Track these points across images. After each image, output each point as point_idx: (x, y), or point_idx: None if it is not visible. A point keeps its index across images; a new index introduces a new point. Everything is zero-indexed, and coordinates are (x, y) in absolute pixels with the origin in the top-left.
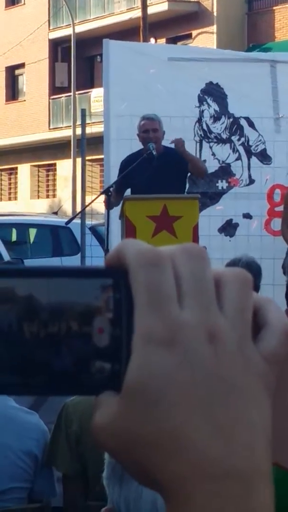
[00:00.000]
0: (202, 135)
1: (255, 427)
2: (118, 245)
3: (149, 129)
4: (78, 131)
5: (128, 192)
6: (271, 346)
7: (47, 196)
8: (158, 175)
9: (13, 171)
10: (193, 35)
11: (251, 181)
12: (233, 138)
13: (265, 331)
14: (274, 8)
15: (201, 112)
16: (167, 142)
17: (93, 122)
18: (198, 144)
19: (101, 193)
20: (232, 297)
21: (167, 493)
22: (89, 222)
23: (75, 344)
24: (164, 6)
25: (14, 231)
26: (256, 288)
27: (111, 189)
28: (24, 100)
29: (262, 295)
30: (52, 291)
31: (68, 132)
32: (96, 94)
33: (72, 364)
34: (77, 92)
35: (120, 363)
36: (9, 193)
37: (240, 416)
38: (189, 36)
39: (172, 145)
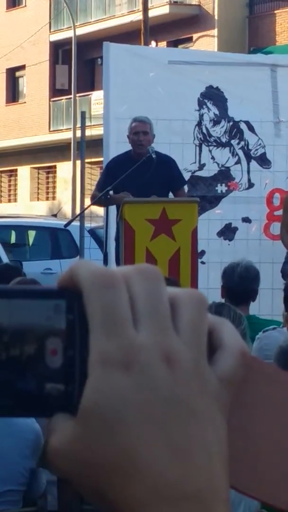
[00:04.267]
0: (202, 138)
1: (212, 449)
2: (71, 266)
3: (140, 131)
4: (78, 133)
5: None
6: (226, 368)
7: (47, 198)
8: (154, 178)
9: (13, 173)
10: (194, 38)
11: (251, 185)
12: (232, 142)
13: (220, 352)
14: (275, 11)
15: (201, 116)
16: (162, 145)
17: (93, 125)
18: (197, 147)
19: (100, 196)
20: (188, 319)
21: None
22: (88, 224)
23: (28, 366)
24: (165, 9)
25: (13, 233)
26: (254, 292)
27: (110, 192)
28: (25, 102)
29: (217, 317)
30: (4, 312)
31: (68, 135)
32: (97, 96)
33: (25, 386)
34: (77, 95)
35: (73, 385)
36: (9, 195)
37: (197, 438)
38: (190, 40)
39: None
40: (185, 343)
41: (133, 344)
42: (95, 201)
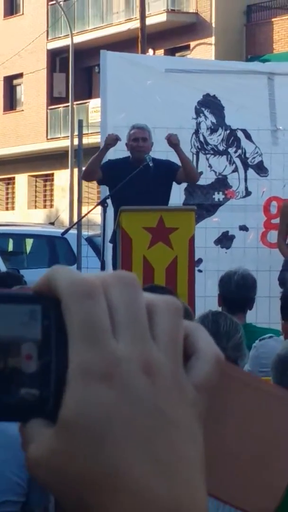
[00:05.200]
0: (199, 146)
1: (192, 461)
2: (49, 273)
3: (139, 137)
4: (76, 141)
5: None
6: (202, 375)
7: (44, 206)
8: (151, 186)
9: (10, 181)
10: (192, 46)
11: (248, 193)
12: (230, 150)
13: (195, 359)
14: (273, 19)
15: (198, 124)
16: (159, 153)
17: (91, 133)
18: (195, 156)
19: (98, 204)
20: (164, 326)
21: None
22: (85, 232)
23: (1, 370)
24: (162, 17)
25: (10, 241)
26: (251, 300)
27: (107, 200)
28: (22, 110)
29: (192, 322)
30: None
31: (65, 143)
32: (94, 104)
33: (0, 390)
34: (75, 103)
35: (48, 390)
36: (6, 203)
37: (179, 451)
38: (187, 47)
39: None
40: (163, 352)
41: (114, 355)
42: (86, 175)
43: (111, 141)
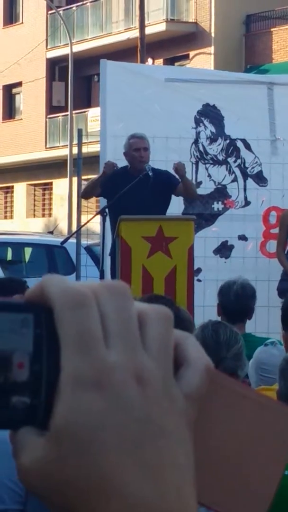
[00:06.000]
0: (199, 156)
1: (182, 469)
2: (41, 281)
3: (141, 147)
4: (75, 150)
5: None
6: (192, 385)
7: (43, 215)
8: (150, 196)
9: (9, 190)
10: (191, 55)
11: (247, 203)
12: (229, 159)
13: (186, 368)
14: (272, 29)
15: (198, 134)
16: (159, 163)
17: (90, 142)
18: (194, 165)
19: (97, 213)
20: (155, 335)
21: None
22: (84, 242)
23: None
24: (162, 27)
25: (9, 250)
26: (251, 310)
27: (106, 209)
28: (21, 119)
29: (182, 331)
30: None
31: (64, 152)
32: (93, 113)
33: None
34: (74, 112)
35: (39, 399)
36: (5, 212)
37: (169, 458)
38: (186, 57)
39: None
40: (154, 361)
41: (106, 364)
42: (85, 194)
43: (109, 169)
